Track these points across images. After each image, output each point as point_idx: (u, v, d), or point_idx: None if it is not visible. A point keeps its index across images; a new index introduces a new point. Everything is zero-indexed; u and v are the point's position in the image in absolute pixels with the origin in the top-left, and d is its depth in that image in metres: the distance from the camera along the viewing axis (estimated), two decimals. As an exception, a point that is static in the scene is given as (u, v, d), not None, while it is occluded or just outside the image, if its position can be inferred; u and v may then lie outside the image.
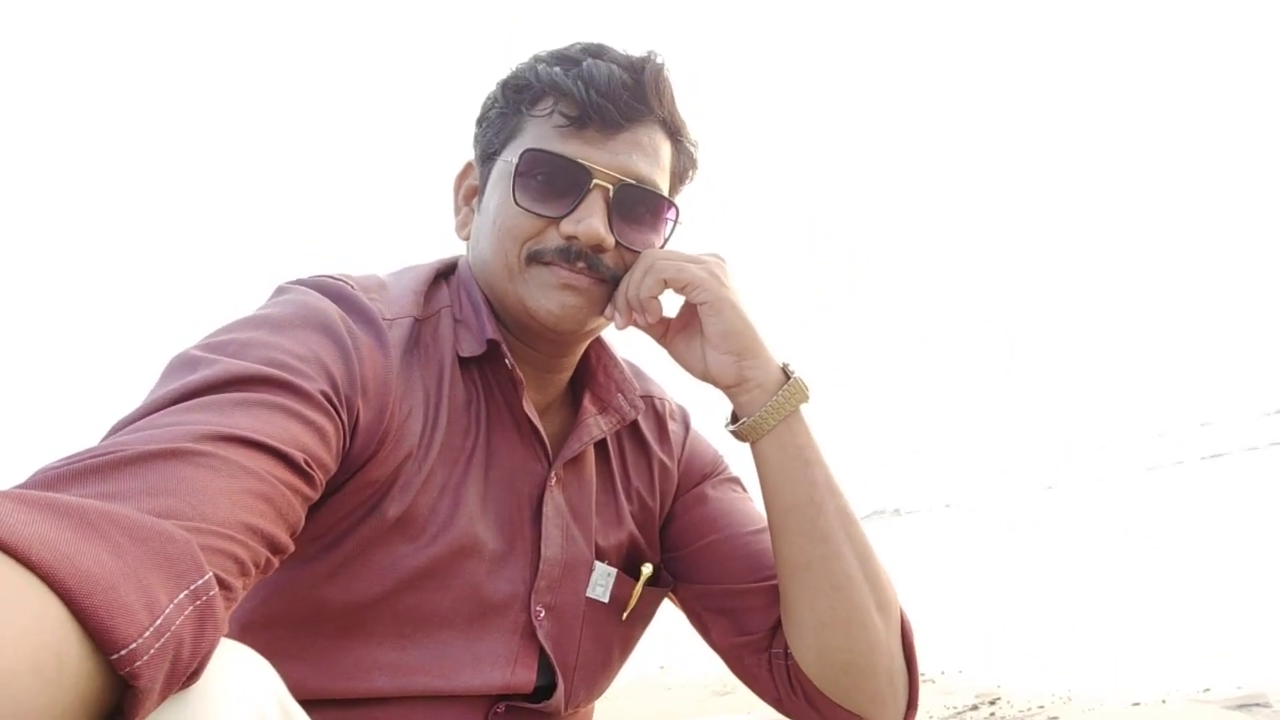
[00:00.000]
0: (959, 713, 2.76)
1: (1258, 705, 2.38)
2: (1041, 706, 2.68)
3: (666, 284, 0.91)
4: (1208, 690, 2.55)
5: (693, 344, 0.95)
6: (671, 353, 0.97)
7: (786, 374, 0.93)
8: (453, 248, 1.05)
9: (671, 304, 0.96)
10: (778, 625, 0.95)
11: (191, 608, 0.52)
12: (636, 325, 0.94)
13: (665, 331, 0.97)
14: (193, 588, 0.53)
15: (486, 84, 1.00)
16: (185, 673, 0.53)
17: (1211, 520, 6.40)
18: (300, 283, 0.87)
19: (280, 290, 0.87)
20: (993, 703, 2.81)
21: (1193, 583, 4.12)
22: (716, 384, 0.94)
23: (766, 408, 0.90)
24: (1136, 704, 2.55)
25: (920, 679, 0.92)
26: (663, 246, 0.95)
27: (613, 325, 0.94)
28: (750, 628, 0.96)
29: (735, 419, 0.94)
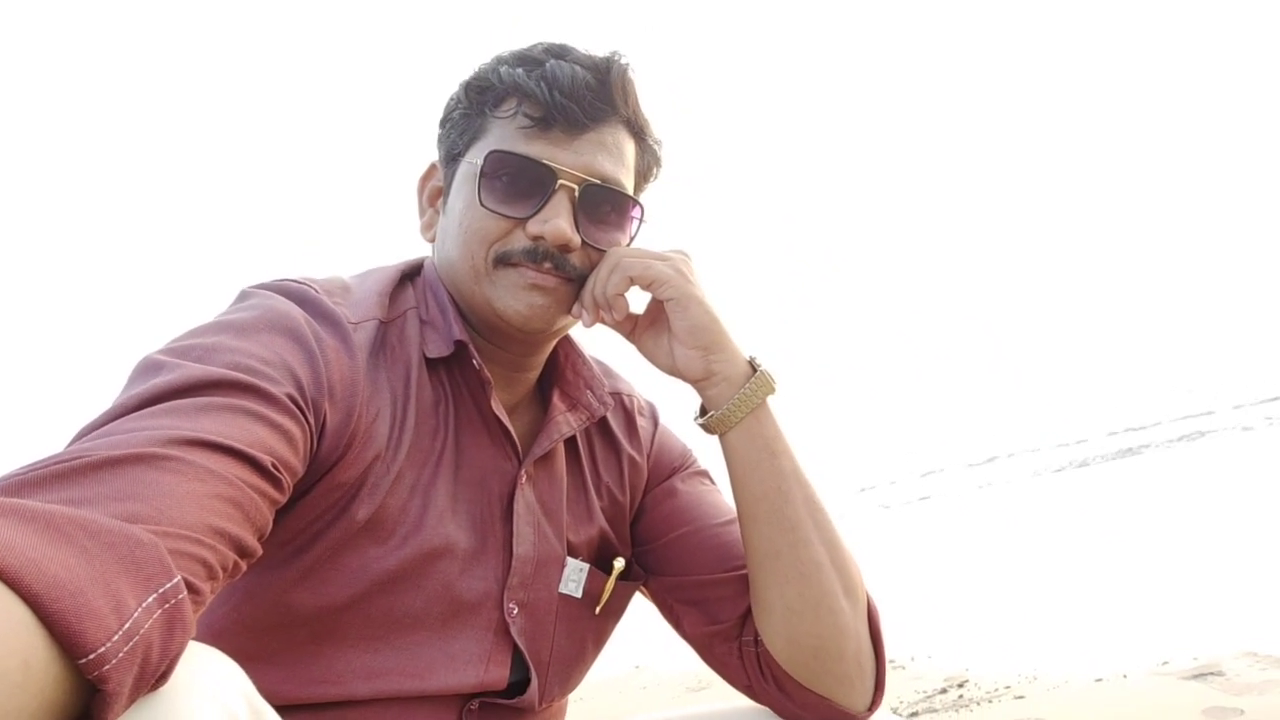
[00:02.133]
0: (928, 696, 2.81)
1: (1212, 674, 2.46)
2: (1008, 687, 2.75)
3: (633, 281, 0.92)
4: (1166, 663, 2.63)
5: (660, 340, 0.96)
6: (639, 349, 0.98)
7: (753, 367, 0.94)
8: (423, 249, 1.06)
9: (638, 301, 0.97)
10: (747, 614, 0.96)
11: (160, 611, 0.53)
12: (604, 322, 0.95)
13: (633, 328, 0.98)
14: (161, 591, 0.53)
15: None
16: (154, 675, 0.53)
17: (1169, 505, 6.57)
18: (264, 287, 0.87)
19: (244, 295, 0.87)
20: (961, 685, 2.87)
21: (1151, 563, 4.23)
22: (684, 378, 0.95)
23: (734, 401, 0.92)
24: (1099, 680, 2.62)
25: (888, 663, 0.94)
26: (628, 245, 0.96)
27: (580, 323, 0.95)
28: (720, 617, 0.98)
29: (704, 412, 0.95)
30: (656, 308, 0.96)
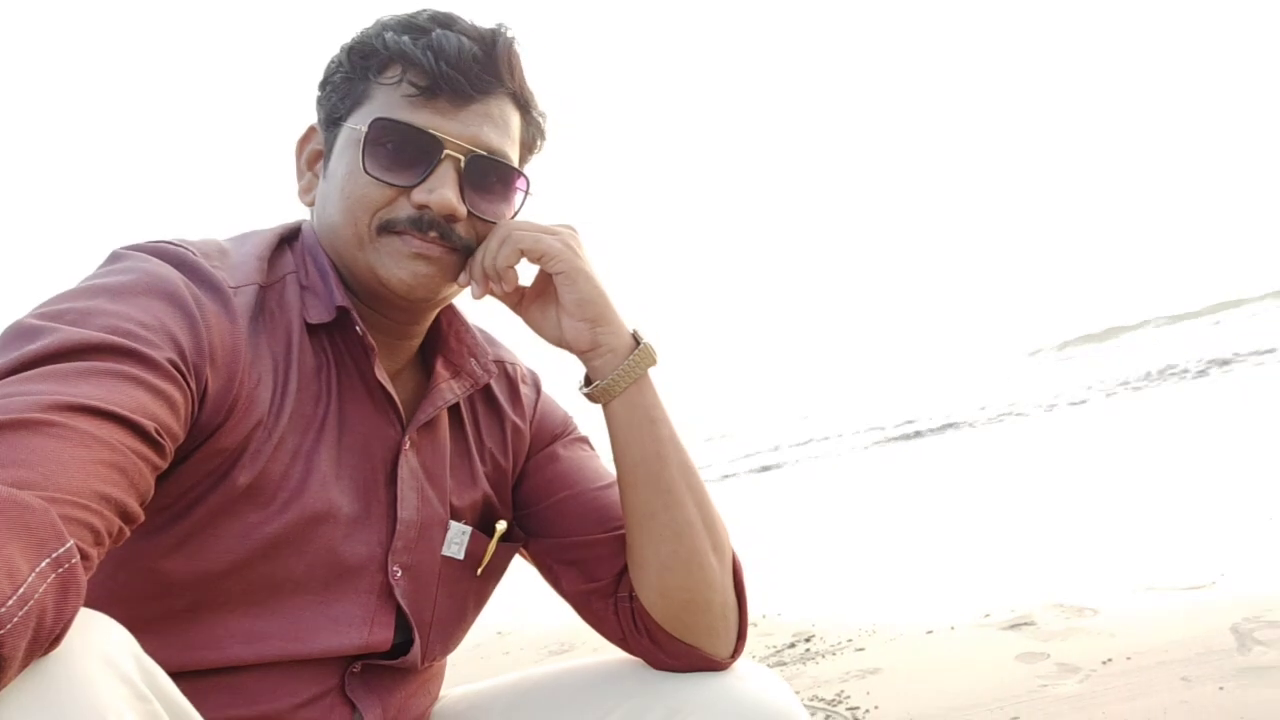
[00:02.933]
0: (778, 651, 2.99)
1: (1026, 625, 2.74)
2: (850, 640, 2.96)
3: (523, 254, 0.94)
4: (988, 616, 2.90)
5: (547, 311, 0.99)
6: (526, 320, 1.01)
7: (636, 340, 0.98)
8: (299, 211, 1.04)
9: (526, 274, 1.00)
10: (622, 572, 1.01)
11: (54, 575, 0.53)
12: (493, 294, 0.97)
13: (520, 300, 1.00)
14: (54, 555, 0.54)
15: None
16: (48, 640, 0.54)
17: (990, 475, 7.15)
18: (137, 249, 0.85)
19: (116, 256, 0.84)
20: (808, 640, 3.06)
21: (974, 526, 4.62)
22: (571, 349, 0.98)
23: (618, 371, 0.96)
24: (930, 632, 2.87)
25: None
26: (514, 217, 0.98)
27: (469, 294, 0.97)
28: (598, 575, 1.03)
29: (589, 382, 0.99)
30: (544, 280, 0.99)
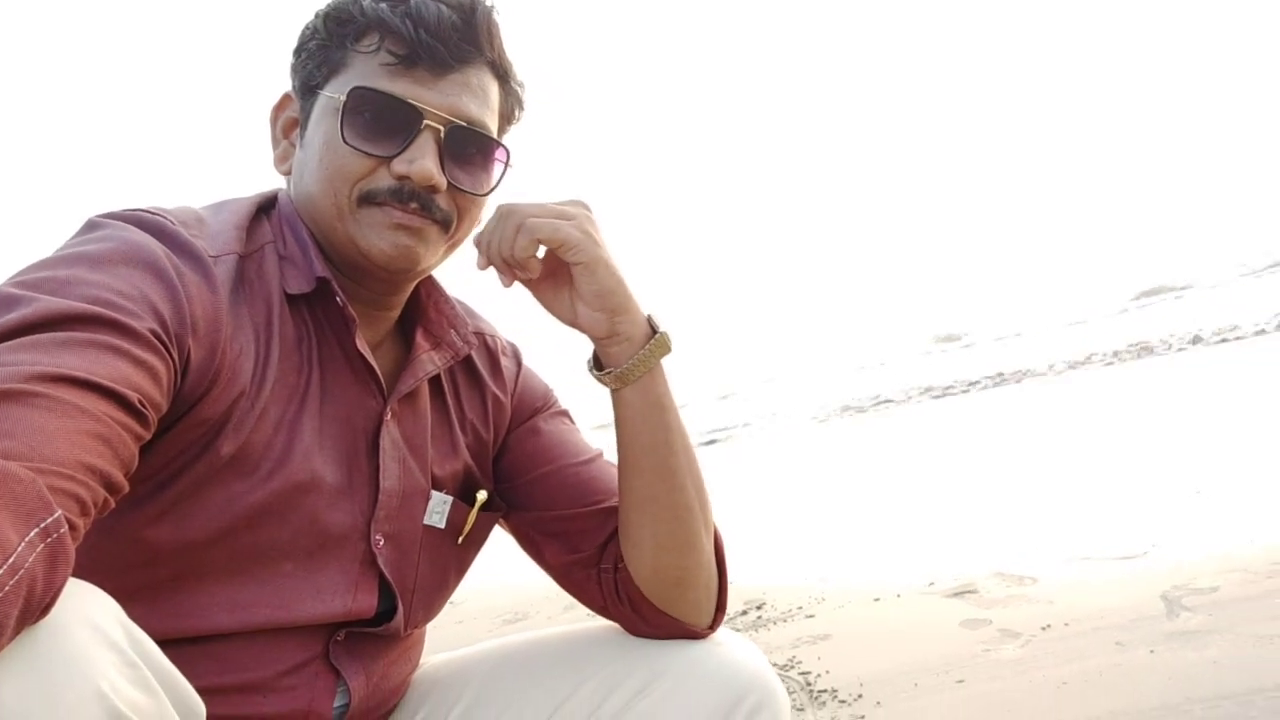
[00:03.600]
0: (731, 618, 3.06)
1: (969, 592, 2.84)
2: (800, 607, 3.04)
3: (540, 243, 0.91)
4: (932, 584, 3.01)
5: (560, 293, 0.96)
6: (539, 298, 0.98)
7: (653, 328, 0.97)
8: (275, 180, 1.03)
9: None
10: (605, 544, 1.03)
11: (43, 545, 0.53)
12: (519, 281, 0.96)
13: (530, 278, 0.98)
14: (43, 525, 0.54)
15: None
16: (38, 609, 0.54)
17: (936, 447, 7.33)
18: (115, 217, 0.83)
19: (93, 225, 0.82)
20: (759, 607, 3.13)
21: (920, 496, 4.76)
22: (587, 334, 0.97)
23: (634, 359, 0.95)
24: (877, 599, 2.96)
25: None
26: (494, 188, 0.97)
27: (446, 264, 0.97)
28: (580, 547, 1.05)
29: (599, 365, 0.98)
30: (554, 259, 0.95)
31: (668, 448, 0.98)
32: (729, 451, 10.76)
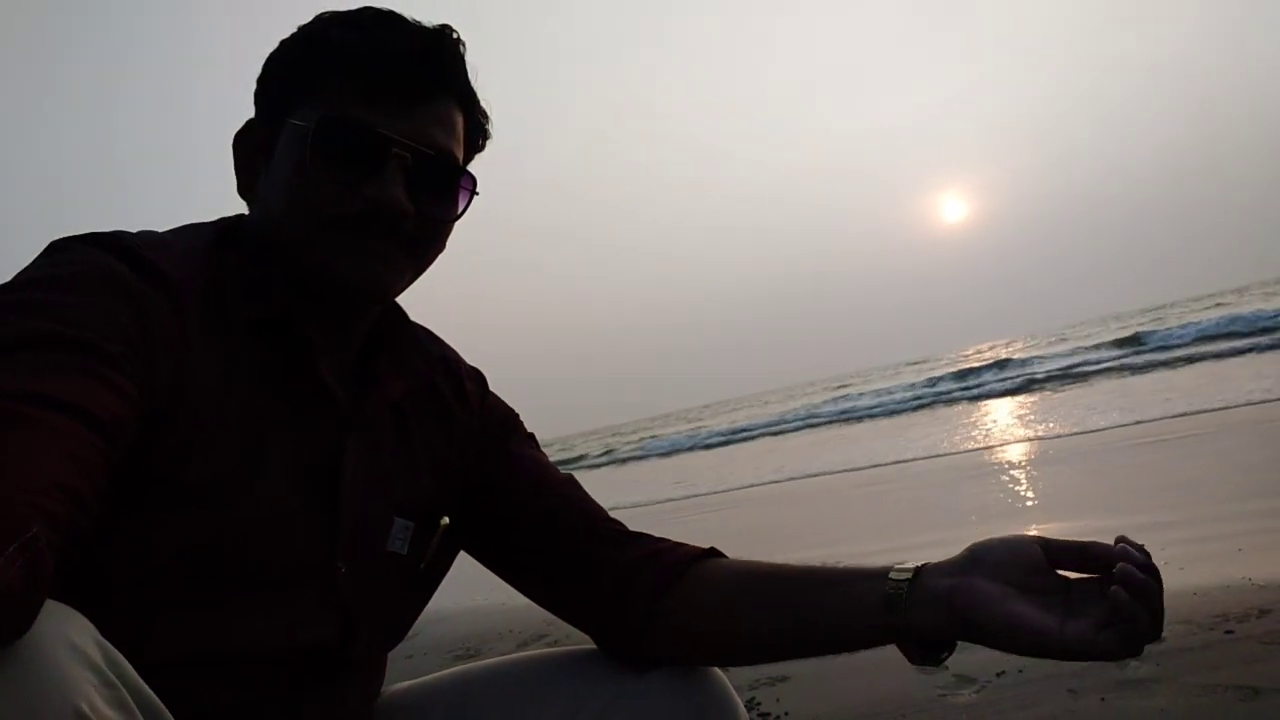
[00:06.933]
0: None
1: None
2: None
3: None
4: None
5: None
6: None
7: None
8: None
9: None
10: (611, 577, 1.03)
11: (21, 560, 0.53)
12: None
13: None
14: (21, 541, 0.54)
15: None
16: (16, 627, 0.54)
17: (906, 484, 7.40)
18: (78, 239, 0.83)
19: (56, 248, 0.82)
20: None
21: (883, 534, 4.78)
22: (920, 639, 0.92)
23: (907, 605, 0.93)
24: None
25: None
26: (460, 215, 0.98)
27: (411, 290, 0.97)
28: (591, 580, 1.04)
29: (930, 648, 0.92)
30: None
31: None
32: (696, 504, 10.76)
